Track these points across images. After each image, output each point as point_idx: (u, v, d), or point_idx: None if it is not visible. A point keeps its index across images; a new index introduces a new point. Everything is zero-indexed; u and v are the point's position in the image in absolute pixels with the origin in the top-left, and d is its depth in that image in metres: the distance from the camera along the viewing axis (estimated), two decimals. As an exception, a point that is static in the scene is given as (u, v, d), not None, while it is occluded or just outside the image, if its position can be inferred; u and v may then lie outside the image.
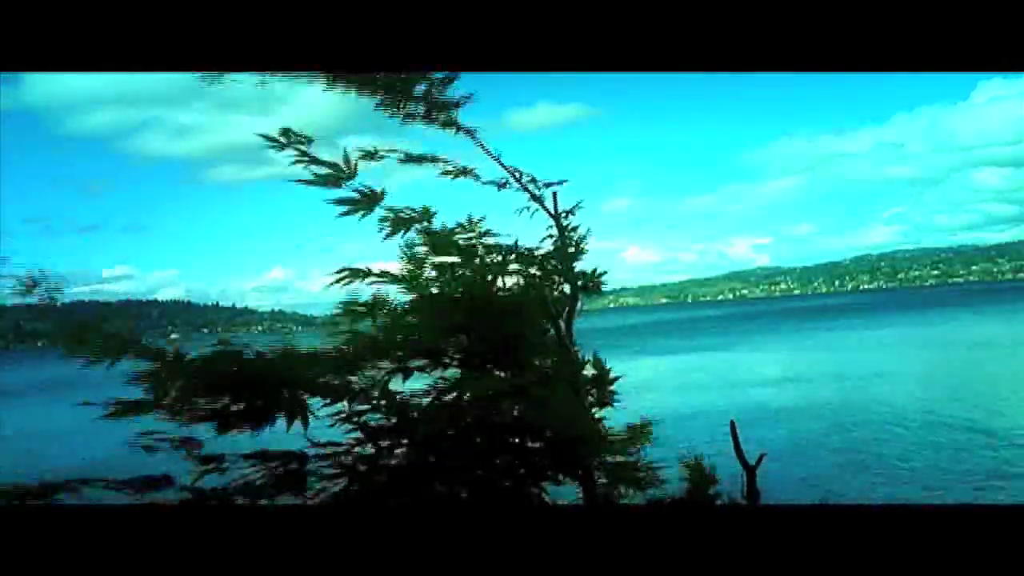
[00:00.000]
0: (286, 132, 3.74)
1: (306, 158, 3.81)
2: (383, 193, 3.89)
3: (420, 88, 3.92)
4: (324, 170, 3.81)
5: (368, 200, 3.86)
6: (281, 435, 3.57)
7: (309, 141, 3.79)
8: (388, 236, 3.94)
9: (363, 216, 3.86)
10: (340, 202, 3.84)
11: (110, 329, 3.23)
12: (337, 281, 3.87)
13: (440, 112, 4.00)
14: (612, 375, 4.15)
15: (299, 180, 3.82)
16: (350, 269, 3.90)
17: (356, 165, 3.83)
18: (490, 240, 4.04)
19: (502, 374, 3.82)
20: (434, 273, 3.96)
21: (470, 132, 4.07)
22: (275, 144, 3.77)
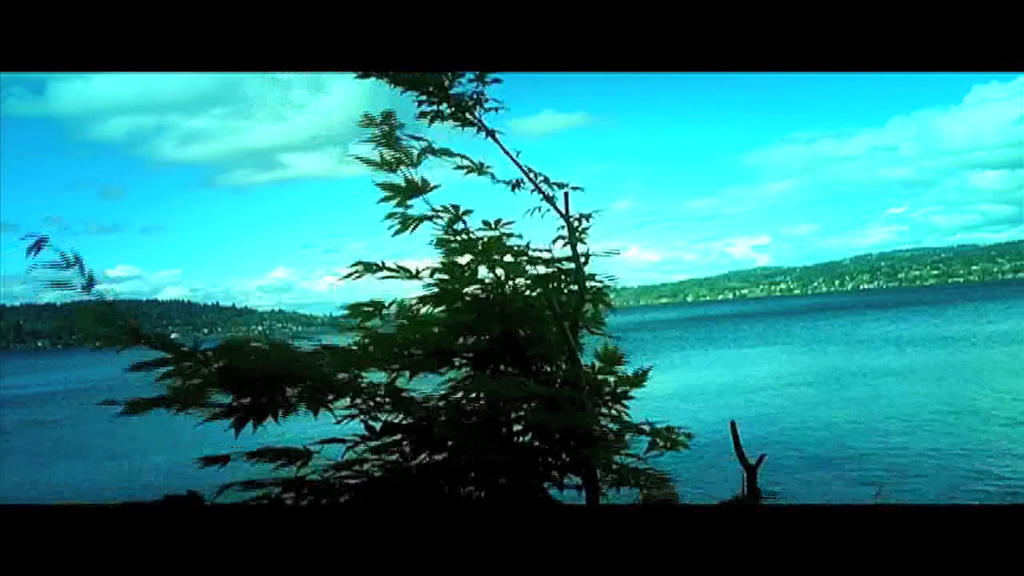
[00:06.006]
0: (386, 113, 3.97)
1: (384, 141, 3.95)
2: (432, 186, 3.94)
3: (467, 86, 4.00)
4: (390, 154, 3.95)
5: (416, 190, 3.90)
6: (287, 438, 3.58)
7: (400, 126, 3.97)
8: (397, 232, 3.94)
9: (399, 203, 3.89)
10: (386, 187, 3.90)
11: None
12: (349, 275, 3.86)
13: (470, 111, 4.05)
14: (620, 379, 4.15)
15: (359, 157, 3.95)
16: (363, 263, 3.89)
17: (421, 155, 3.96)
18: (507, 241, 4.04)
19: (512, 373, 3.84)
20: (446, 276, 3.95)
21: (492, 133, 4.09)
22: (370, 123, 3.97)
